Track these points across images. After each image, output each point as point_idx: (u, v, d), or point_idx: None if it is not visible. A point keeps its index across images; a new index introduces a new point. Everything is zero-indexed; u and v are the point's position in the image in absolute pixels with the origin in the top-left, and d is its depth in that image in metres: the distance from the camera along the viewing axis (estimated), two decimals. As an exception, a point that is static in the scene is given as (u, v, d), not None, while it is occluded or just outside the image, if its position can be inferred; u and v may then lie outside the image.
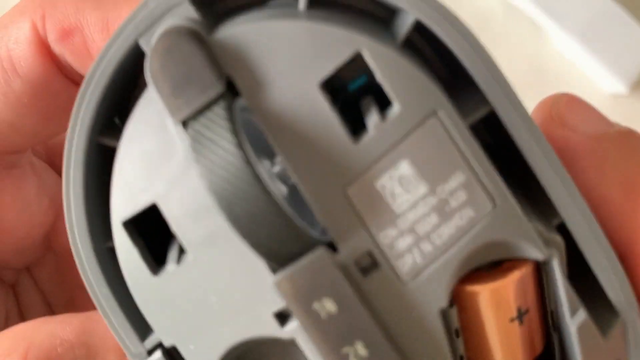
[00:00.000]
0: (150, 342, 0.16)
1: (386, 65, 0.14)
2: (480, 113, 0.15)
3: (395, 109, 0.14)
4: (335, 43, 0.14)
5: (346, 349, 0.14)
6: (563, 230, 0.15)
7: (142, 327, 0.16)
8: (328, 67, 0.14)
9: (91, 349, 0.17)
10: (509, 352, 0.15)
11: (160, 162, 0.15)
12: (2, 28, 0.17)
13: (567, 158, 0.16)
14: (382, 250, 0.14)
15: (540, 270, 0.15)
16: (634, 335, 0.15)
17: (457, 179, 0.14)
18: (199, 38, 0.14)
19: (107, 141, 0.16)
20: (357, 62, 0.14)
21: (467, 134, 0.14)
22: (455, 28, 0.14)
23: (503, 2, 0.41)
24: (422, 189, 0.14)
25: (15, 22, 0.17)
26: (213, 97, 0.13)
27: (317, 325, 0.14)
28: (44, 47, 0.17)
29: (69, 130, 0.15)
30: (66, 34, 0.16)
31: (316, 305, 0.14)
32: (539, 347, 0.16)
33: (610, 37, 0.40)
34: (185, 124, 0.14)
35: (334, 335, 0.14)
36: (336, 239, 0.14)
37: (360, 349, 0.14)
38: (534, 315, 0.15)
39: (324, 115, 0.14)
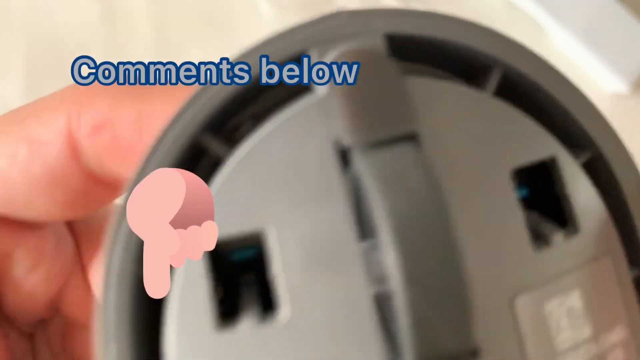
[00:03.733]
0: None
1: (577, 182, 0.13)
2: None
3: (579, 231, 0.13)
4: (533, 136, 0.13)
5: None
6: None
7: None
8: (523, 157, 0.13)
9: None
10: None
11: (293, 180, 0.12)
12: (39, 110, 0.17)
13: None
14: None
15: None
16: None
17: (618, 334, 0.13)
18: (399, 69, 0.12)
19: (212, 144, 0.12)
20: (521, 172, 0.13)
21: (632, 290, 0.13)
22: None
23: (504, 1, 0.41)
24: (587, 331, 0.12)
25: (50, 109, 0.17)
26: (405, 133, 0.11)
27: None
28: (72, 142, 0.16)
29: (164, 125, 0.12)
30: (97, 130, 0.16)
31: None
32: None
33: (611, 36, 0.40)
34: (355, 150, 0.11)
35: None
36: (483, 350, 0.12)
37: None
38: None
39: (508, 207, 0.12)
